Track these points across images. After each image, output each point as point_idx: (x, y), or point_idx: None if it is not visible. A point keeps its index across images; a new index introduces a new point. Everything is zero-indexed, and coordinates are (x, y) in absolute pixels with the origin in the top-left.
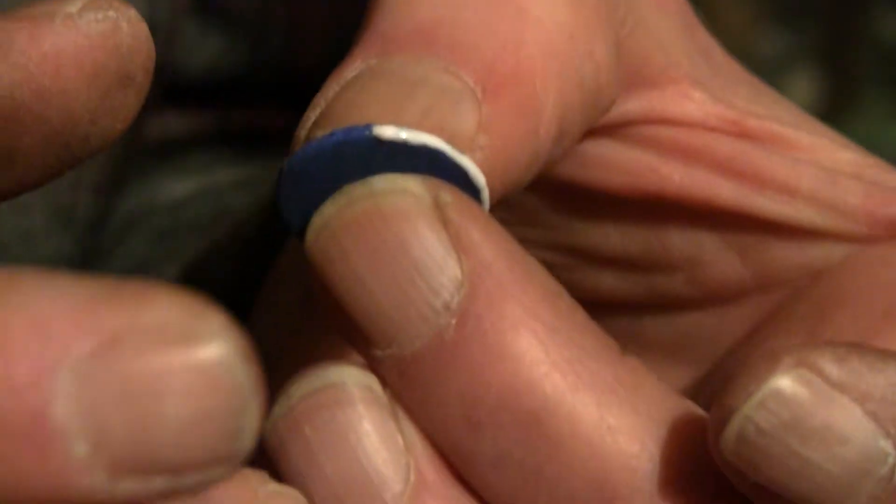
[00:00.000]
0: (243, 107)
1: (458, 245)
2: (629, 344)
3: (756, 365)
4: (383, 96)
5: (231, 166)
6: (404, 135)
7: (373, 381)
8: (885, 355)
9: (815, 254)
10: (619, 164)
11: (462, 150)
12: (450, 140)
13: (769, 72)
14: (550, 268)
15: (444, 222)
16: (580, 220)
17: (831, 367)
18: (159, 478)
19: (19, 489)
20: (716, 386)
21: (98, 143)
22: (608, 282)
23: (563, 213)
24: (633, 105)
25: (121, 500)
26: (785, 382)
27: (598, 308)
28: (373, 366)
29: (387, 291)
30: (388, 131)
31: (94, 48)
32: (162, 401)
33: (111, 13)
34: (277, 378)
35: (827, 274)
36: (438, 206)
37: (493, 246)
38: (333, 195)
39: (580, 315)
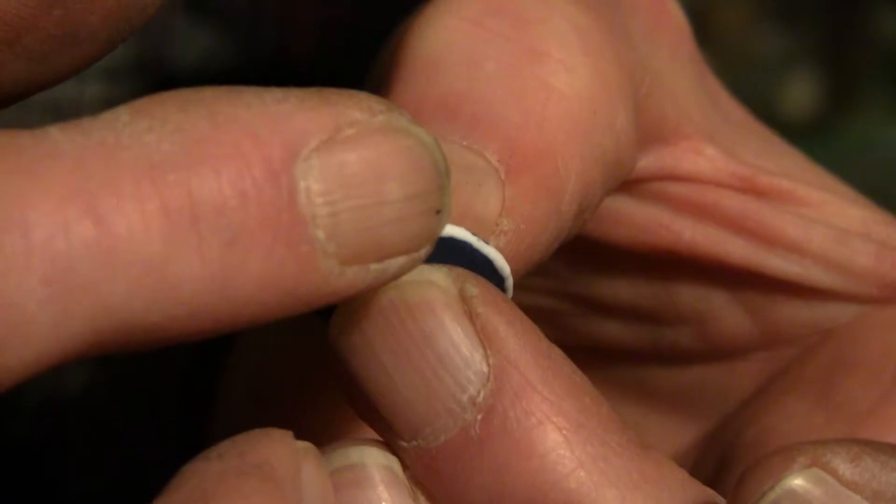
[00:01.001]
0: None
1: (485, 339)
2: (635, 395)
3: (771, 462)
4: None
5: None
6: None
7: (393, 462)
8: None
9: (825, 313)
10: (630, 219)
11: (486, 235)
12: (473, 224)
13: (769, 72)
14: (558, 315)
15: (471, 315)
16: (590, 271)
17: (844, 467)
18: (374, 266)
19: (278, 280)
20: (724, 444)
21: (153, 10)
22: (615, 331)
23: (573, 263)
24: (646, 162)
25: (343, 288)
26: (798, 482)
27: (605, 356)
28: (397, 453)
29: (412, 384)
30: None
31: None
32: (382, 183)
33: None
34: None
35: (836, 335)
36: (465, 299)
37: (519, 340)
38: None
39: (604, 409)
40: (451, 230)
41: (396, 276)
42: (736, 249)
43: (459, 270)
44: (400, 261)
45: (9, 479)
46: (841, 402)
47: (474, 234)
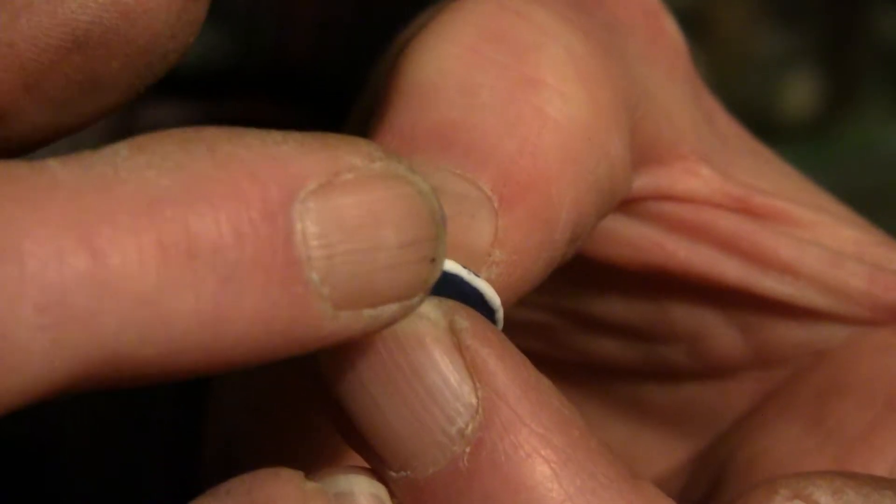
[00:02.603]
0: (234, 98)
1: (474, 371)
2: (629, 411)
3: (754, 495)
4: None
5: None
6: None
7: (381, 491)
8: (881, 485)
9: (818, 334)
10: (625, 238)
11: (478, 266)
12: (466, 255)
13: (769, 72)
14: (552, 330)
15: (460, 348)
16: (585, 289)
17: (826, 500)
18: (367, 311)
19: (271, 319)
20: (718, 464)
21: (174, 57)
22: (609, 347)
23: (568, 280)
24: (641, 182)
25: (336, 332)
26: None
27: (599, 373)
28: (385, 482)
29: (401, 416)
30: None
31: None
32: (378, 229)
33: None
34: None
35: (829, 357)
36: (454, 331)
37: (508, 373)
38: None
39: (594, 442)
40: (444, 264)
41: (388, 323)
42: (730, 270)
43: (449, 303)
44: (392, 308)
45: (8, 480)
46: (833, 426)
47: (465, 266)
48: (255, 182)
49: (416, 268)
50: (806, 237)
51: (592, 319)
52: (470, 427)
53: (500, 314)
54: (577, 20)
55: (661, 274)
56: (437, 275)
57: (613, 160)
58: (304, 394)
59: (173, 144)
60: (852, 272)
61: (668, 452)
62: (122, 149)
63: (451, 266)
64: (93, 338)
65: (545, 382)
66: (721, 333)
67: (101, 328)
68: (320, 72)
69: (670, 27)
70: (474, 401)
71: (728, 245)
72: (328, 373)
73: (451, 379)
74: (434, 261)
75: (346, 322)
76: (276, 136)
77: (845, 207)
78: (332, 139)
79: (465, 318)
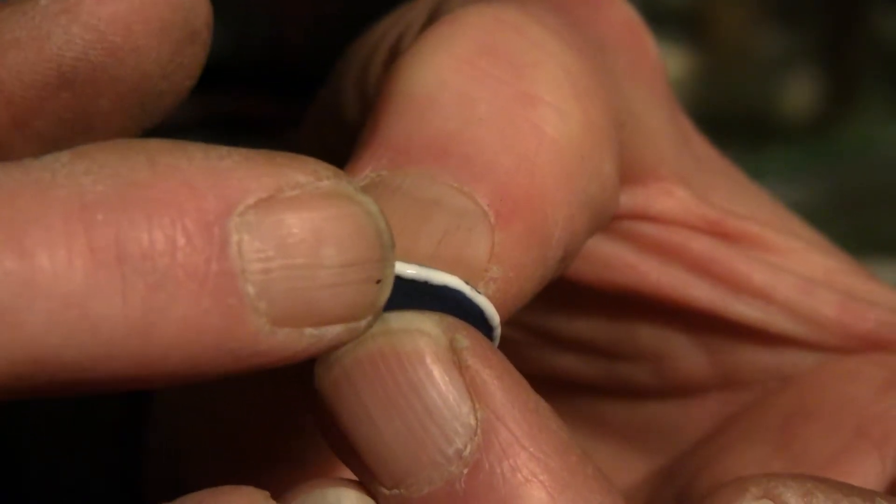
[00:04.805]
0: (227, 93)
1: (474, 392)
2: (590, 426)
3: (724, 492)
4: (398, 219)
5: None
6: (425, 274)
7: None
8: (851, 492)
9: (786, 360)
10: (597, 257)
11: (475, 282)
12: (464, 271)
13: (769, 72)
14: (515, 344)
15: (460, 367)
16: (551, 305)
17: (797, 501)
18: (309, 330)
19: (202, 330)
20: (681, 485)
21: (170, 99)
22: (572, 363)
23: (536, 297)
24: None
25: (275, 349)
26: None
27: (561, 386)
28: (376, 498)
29: (398, 433)
30: (409, 270)
31: (159, 4)
32: (320, 247)
33: None
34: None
35: (797, 383)
36: (455, 350)
37: (507, 395)
38: None
39: (590, 467)
40: (445, 278)
41: (333, 345)
42: (701, 293)
43: (450, 320)
44: (337, 329)
45: None
46: (799, 452)
47: (467, 282)
48: (192, 192)
49: (361, 288)
50: (778, 263)
51: (557, 336)
52: (468, 448)
53: (498, 332)
54: (570, 37)
55: (631, 294)
56: (384, 297)
57: (604, 179)
58: (263, 399)
59: (114, 153)
60: (824, 300)
61: (627, 468)
62: (62, 156)
63: (453, 281)
64: (19, 337)
65: (543, 405)
66: (687, 355)
67: (27, 328)
68: (314, 65)
69: (652, 47)
70: (473, 422)
71: (700, 268)
72: (324, 386)
73: (451, 398)
74: (381, 282)
75: (286, 340)
76: (221, 150)
77: (817, 234)
78: (279, 156)
79: (466, 337)
